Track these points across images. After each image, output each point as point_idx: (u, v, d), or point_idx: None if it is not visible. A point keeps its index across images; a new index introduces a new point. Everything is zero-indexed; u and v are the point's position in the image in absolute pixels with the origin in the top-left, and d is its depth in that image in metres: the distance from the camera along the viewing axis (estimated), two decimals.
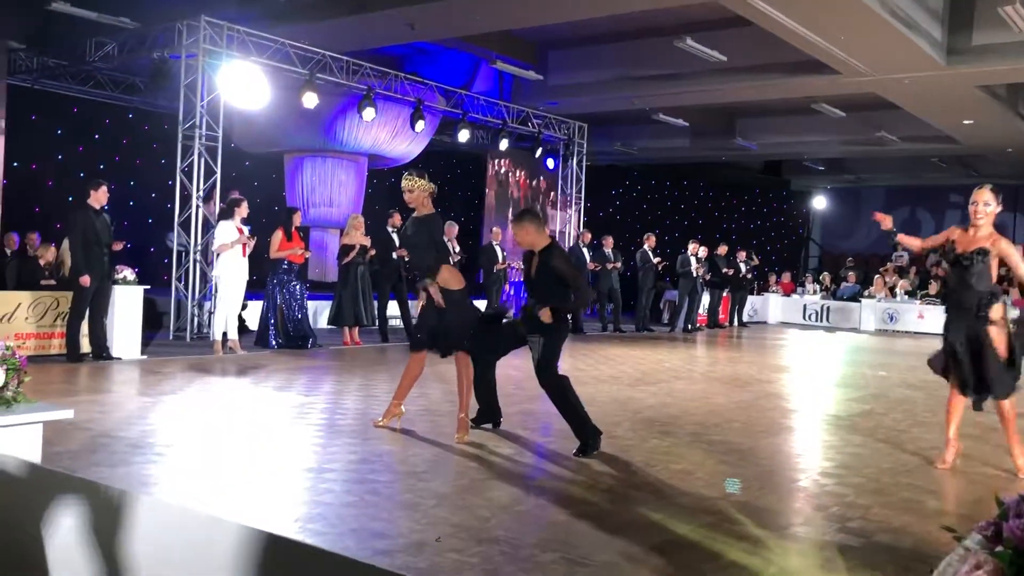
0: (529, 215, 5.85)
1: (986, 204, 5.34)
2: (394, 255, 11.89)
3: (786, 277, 22.77)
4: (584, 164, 18.21)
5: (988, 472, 5.58)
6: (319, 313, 13.27)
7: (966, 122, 15.96)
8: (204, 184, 11.56)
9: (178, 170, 11.54)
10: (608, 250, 15.81)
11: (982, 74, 13.01)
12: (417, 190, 5.96)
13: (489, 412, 6.23)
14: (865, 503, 4.73)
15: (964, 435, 6.91)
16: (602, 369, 10.23)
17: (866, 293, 20.11)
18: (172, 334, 11.43)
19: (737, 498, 4.67)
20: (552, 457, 5.59)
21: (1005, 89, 14.80)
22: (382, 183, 18.62)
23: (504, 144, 16.41)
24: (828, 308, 20.44)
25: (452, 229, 13.09)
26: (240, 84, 11.74)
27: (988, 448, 6.35)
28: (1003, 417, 5.42)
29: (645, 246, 16.53)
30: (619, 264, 15.90)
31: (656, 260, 16.56)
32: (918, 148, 19.21)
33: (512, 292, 17.93)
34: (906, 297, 20.17)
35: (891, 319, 19.32)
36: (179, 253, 11.61)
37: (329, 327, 12.47)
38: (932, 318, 19.26)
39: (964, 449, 5.78)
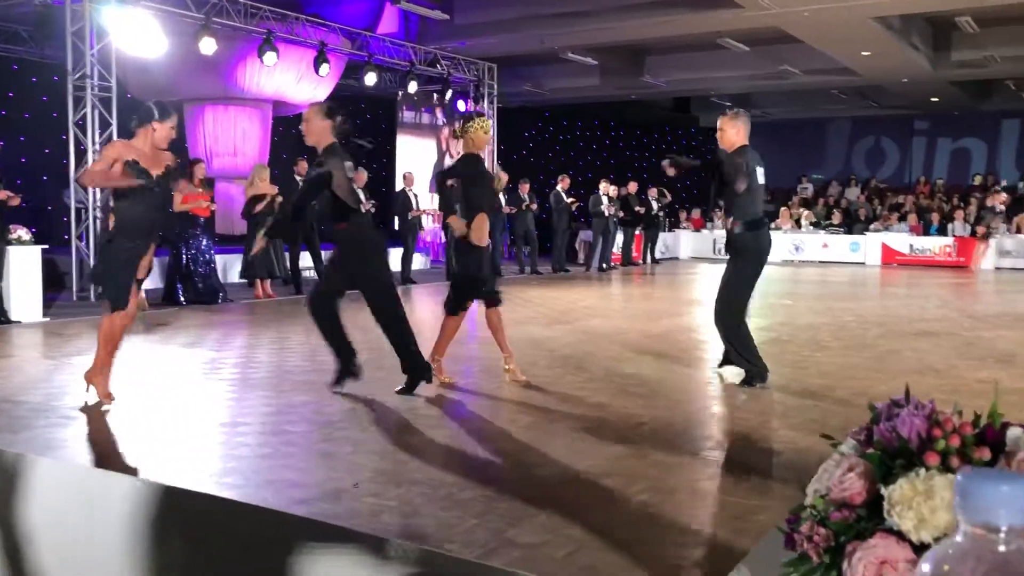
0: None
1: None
2: None
3: (696, 213, 23.16)
4: (496, 106, 18.06)
5: (887, 391, 5.83)
6: (229, 267, 12.96)
7: (864, 54, 16.33)
8: (100, 137, 11.07)
9: (70, 123, 11.01)
10: (524, 192, 15.82)
11: (877, 6, 13.30)
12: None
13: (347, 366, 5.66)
14: (774, 425, 4.91)
15: (870, 358, 7.18)
16: (519, 311, 10.29)
17: (772, 225, 20.61)
18: (75, 294, 11.01)
19: (650, 426, 4.79)
20: (470, 398, 5.62)
21: (899, 20, 15.17)
22: (288, 130, 18.13)
23: (413, 86, 16.13)
24: None
25: (361, 176, 12.87)
26: (132, 31, 11.21)
27: (891, 373, 6.63)
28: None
29: (559, 187, 16.60)
30: (534, 206, 15.94)
31: (570, 200, 16.66)
32: (820, 81, 19.60)
33: (429, 238, 17.81)
34: (811, 228, 20.77)
35: (797, 249, 19.90)
36: (77, 210, 11.15)
37: (241, 281, 12.20)
38: (836, 247, 19.96)
39: (869, 373, 6.01)
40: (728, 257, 6.02)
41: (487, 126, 5.92)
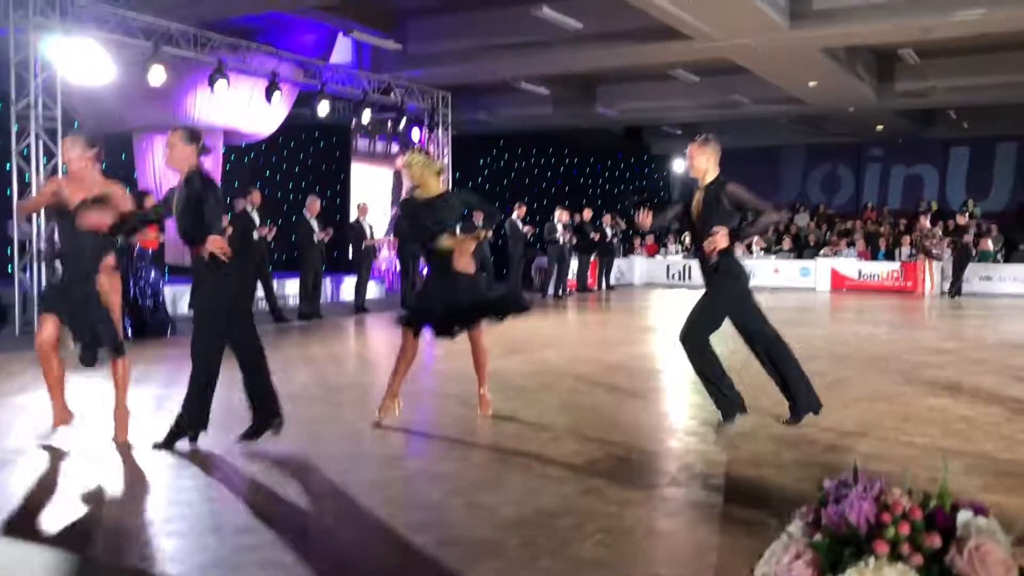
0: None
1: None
2: (255, 235, 11.52)
3: (650, 239, 23.36)
4: (450, 134, 18.08)
5: (838, 419, 5.86)
6: (179, 299, 12.73)
7: (811, 84, 16.68)
8: (45, 168, 10.85)
9: (14, 153, 10.79)
10: (478, 220, 15.81)
11: (823, 37, 13.59)
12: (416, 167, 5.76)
13: (264, 413, 5.39)
14: (728, 460, 4.90)
15: (821, 386, 7.23)
16: None
17: None
18: (19, 329, 10.73)
19: (606, 462, 4.76)
20: (422, 436, 5.55)
21: (844, 52, 15.52)
22: (239, 160, 17.96)
23: (367, 116, 16.09)
24: (690, 267, 21.11)
25: (315, 205, 12.81)
26: (78, 60, 11.02)
27: (843, 401, 6.69)
28: None
29: (514, 215, 16.65)
30: (490, 233, 15.93)
31: (525, 228, 16.72)
32: (769, 110, 19.98)
33: (384, 267, 17.70)
34: (762, 253, 21.05)
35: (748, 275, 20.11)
36: (21, 242, 10.89)
37: (191, 312, 11.96)
38: (787, 272, 20.24)
39: (821, 401, 6.03)
40: (710, 284, 5.71)
41: (413, 160, 5.78)
